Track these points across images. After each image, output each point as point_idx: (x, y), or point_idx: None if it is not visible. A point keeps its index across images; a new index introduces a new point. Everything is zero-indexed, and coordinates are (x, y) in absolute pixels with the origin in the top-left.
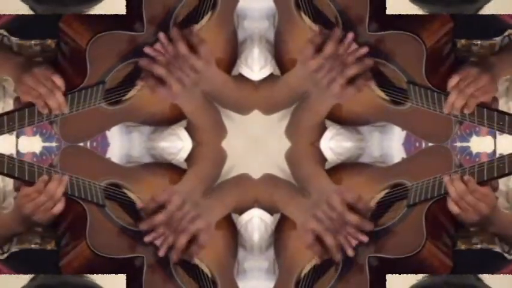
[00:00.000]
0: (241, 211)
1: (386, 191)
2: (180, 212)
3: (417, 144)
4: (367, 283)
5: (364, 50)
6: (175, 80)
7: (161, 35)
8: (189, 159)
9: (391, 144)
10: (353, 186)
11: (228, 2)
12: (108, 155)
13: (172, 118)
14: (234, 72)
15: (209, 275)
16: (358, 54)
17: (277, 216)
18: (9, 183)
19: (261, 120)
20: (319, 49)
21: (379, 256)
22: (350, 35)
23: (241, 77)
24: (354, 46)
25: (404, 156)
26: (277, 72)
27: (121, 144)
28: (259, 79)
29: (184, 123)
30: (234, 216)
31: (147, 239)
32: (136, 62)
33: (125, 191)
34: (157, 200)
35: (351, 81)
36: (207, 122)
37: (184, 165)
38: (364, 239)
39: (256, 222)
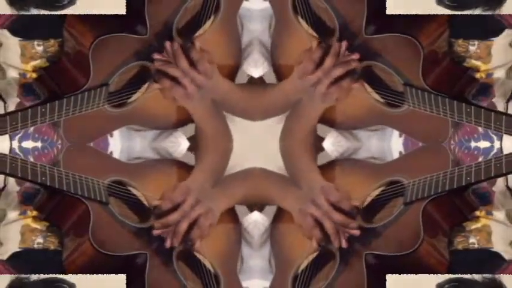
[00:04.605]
0: (243, 204)
1: (383, 188)
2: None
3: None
4: (364, 279)
5: (355, 56)
6: (190, 81)
7: (168, 45)
8: (196, 157)
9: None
10: (349, 183)
11: (231, 6)
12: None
13: (176, 122)
14: (241, 74)
15: (211, 270)
16: (349, 60)
17: (272, 212)
18: (13, 185)
19: (261, 122)
20: (317, 63)
21: (377, 254)
22: (344, 44)
23: (246, 84)
24: (346, 53)
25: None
26: (272, 75)
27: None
28: (258, 82)
29: (187, 129)
30: (240, 213)
31: (156, 232)
32: (142, 64)
33: (130, 188)
34: (173, 200)
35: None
36: (214, 127)
37: (187, 158)
38: (356, 232)
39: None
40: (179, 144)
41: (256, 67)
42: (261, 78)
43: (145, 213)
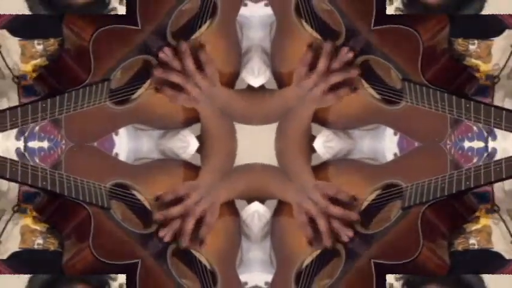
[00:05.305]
0: (243, 198)
1: (379, 191)
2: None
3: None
4: (373, 278)
5: (350, 55)
6: (193, 85)
7: (166, 50)
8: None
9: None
10: (344, 184)
11: (228, 11)
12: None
13: (182, 120)
14: (240, 81)
15: (207, 267)
16: (344, 59)
17: (273, 206)
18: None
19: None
20: (312, 66)
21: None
22: (343, 50)
23: (245, 91)
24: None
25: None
26: (272, 82)
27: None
28: (258, 88)
29: (192, 129)
30: (240, 208)
31: (161, 233)
32: (144, 59)
33: (133, 192)
34: (177, 193)
35: (334, 87)
36: (220, 127)
37: (194, 160)
38: (349, 233)
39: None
40: (188, 145)
41: (256, 76)
42: (261, 85)
43: (148, 218)
